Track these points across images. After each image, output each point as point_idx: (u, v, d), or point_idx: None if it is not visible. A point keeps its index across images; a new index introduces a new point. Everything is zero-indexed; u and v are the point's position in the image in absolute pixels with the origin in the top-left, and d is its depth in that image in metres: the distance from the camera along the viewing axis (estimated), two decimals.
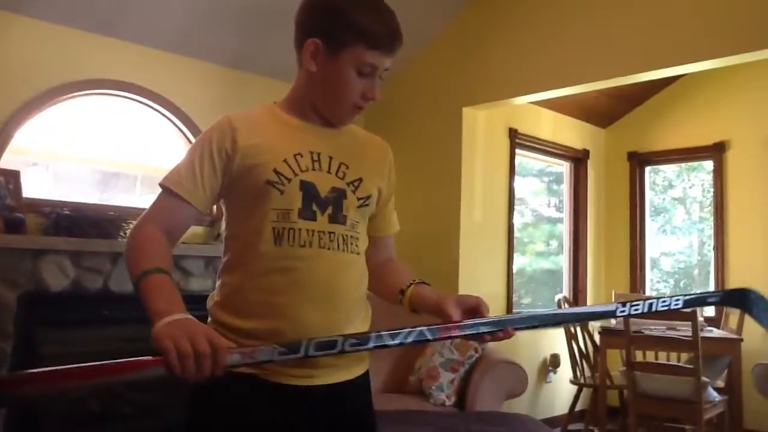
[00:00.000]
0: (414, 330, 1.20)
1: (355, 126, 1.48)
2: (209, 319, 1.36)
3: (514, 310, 4.65)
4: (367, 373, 1.42)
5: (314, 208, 1.30)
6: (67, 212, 3.16)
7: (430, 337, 1.22)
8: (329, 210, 1.31)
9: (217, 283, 1.37)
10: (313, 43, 1.31)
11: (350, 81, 1.30)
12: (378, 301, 1.45)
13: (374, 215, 1.43)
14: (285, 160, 1.30)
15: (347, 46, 1.29)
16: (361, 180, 1.36)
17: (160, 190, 1.35)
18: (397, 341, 1.20)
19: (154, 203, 1.34)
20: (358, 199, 1.34)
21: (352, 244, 1.33)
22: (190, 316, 1.11)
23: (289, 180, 1.29)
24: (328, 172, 1.33)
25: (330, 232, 1.30)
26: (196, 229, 3.73)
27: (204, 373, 1.06)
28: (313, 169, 1.32)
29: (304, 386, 1.29)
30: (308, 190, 1.30)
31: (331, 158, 1.34)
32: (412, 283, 1.39)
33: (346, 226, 1.32)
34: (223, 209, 1.39)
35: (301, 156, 1.32)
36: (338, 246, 1.31)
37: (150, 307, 1.12)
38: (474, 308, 1.29)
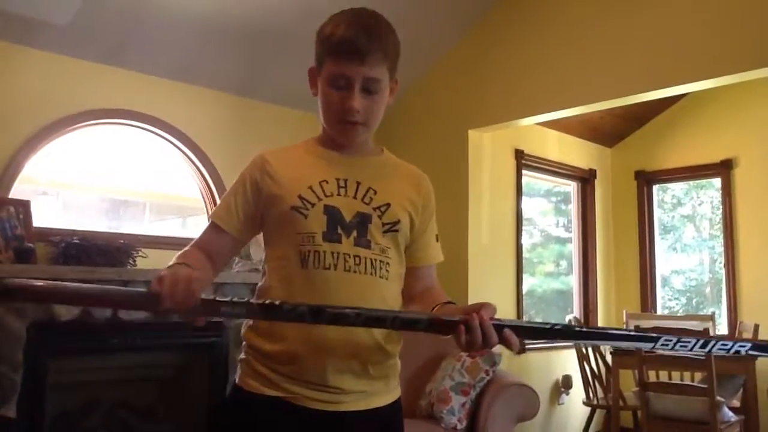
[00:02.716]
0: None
1: (391, 155, 1.50)
2: (244, 344, 1.40)
3: None
4: (398, 401, 1.41)
5: (339, 231, 1.32)
6: (76, 241, 3.17)
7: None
8: (354, 234, 1.32)
9: None
10: (310, 70, 1.39)
11: (329, 97, 1.33)
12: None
13: (411, 245, 1.43)
14: (310, 187, 1.34)
15: (323, 63, 1.34)
16: (389, 205, 1.36)
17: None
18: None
19: (201, 232, 1.45)
20: (384, 224, 1.35)
21: (381, 268, 1.34)
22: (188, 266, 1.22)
23: (313, 205, 1.32)
24: (354, 197, 1.35)
25: (355, 256, 1.31)
26: None
27: (177, 298, 1.12)
28: (338, 195, 1.35)
29: (331, 411, 1.30)
30: (332, 215, 1.32)
31: (358, 184, 1.37)
32: (437, 305, 1.35)
33: (372, 250, 1.33)
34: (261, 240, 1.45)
35: (327, 182, 1.35)
36: (365, 269, 1.31)
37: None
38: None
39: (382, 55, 1.32)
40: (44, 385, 3.00)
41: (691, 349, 1.19)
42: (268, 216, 1.38)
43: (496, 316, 1.19)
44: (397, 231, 1.37)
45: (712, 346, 1.19)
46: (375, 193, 1.37)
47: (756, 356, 1.20)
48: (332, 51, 1.31)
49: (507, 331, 1.16)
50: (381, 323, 1.19)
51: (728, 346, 1.18)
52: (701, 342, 1.19)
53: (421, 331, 1.19)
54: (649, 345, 1.22)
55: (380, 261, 1.34)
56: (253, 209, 1.39)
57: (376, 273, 1.33)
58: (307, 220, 1.31)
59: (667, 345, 1.19)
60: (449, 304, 1.35)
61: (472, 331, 1.15)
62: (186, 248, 1.38)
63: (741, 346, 1.19)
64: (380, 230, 1.35)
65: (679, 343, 1.19)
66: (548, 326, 1.21)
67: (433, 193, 1.49)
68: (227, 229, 1.39)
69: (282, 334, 1.29)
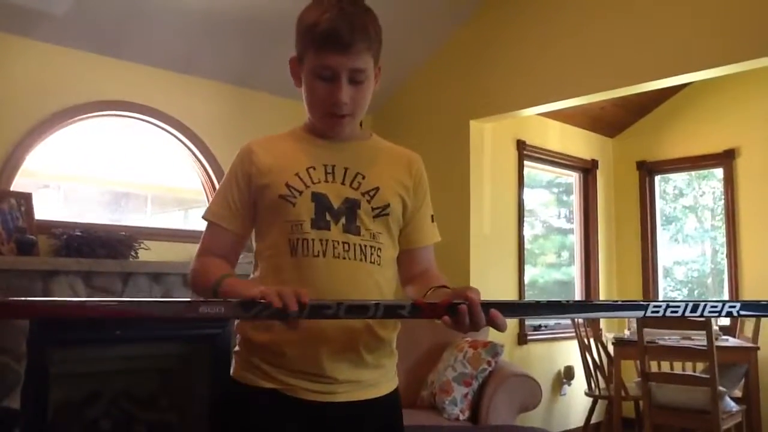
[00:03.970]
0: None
1: (381, 138, 1.48)
2: (238, 336, 1.39)
3: (526, 323, 4.64)
4: (396, 392, 1.40)
5: (327, 218, 1.31)
6: (78, 233, 3.18)
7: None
8: (343, 220, 1.31)
9: None
10: (291, 61, 1.37)
11: (314, 89, 1.32)
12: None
13: (405, 226, 1.42)
14: (297, 174, 1.33)
15: (305, 54, 1.32)
16: (377, 189, 1.35)
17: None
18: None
19: (202, 237, 1.41)
20: (373, 208, 1.34)
21: (372, 254, 1.33)
22: None
23: (301, 192, 1.31)
24: (342, 183, 1.34)
25: (344, 242, 1.30)
26: None
27: (289, 303, 1.10)
28: (326, 181, 1.34)
29: (325, 402, 1.29)
30: (320, 202, 1.31)
31: (346, 169, 1.35)
32: (431, 288, 1.33)
33: (362, 236, 1.32)
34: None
35: (314, 169, 1.34)
36: (354, 255, 1.31)
37: (242, 293, 1.18)
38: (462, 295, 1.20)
39: (367, 44, 1.30)
40: (47, 376, 3.02)
41: (682, 314, 1.18)
42: (259, 207, 1.37)
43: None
44: (387, 215, 1.36)
45: (703, 309, 1.18)
46: (363, 178, 1.35)
47: (747, 316, 1.20)
48: (315, 43, 1.28)
49: (493, 312, 1.14)
50: (364, 312, 1.16)
51: (719, 308, 1.18)
52: (691, 306, 1.18)
53: (407, 318, 1.18)
54: (639, 313, 1.22)
55: (371, 246, 1.33)
56: (248, 201, 1.38)
57: (366, 259, 1.32)
58: (295, 208, 1.30)
59: (657, 311, 1.18)
60: (443, 288, 1.32)
61: (459, 313, 1.14)
62: (205, 260, 1.36)
63: (731, 307, 1.19)
64: (370, 215, 1.34)
65: (669, 309, 1.18)
66: (534, 302, 1.22)
67: (424, 173, 1.46)
68: (229, 227, 1.38)
69: (274, 325, 1.27)
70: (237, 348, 1.39)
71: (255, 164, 1.36)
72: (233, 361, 1.39)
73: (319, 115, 1.35)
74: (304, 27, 1.31)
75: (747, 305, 1.21)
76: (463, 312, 1.13)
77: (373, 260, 1.33)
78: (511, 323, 4.49)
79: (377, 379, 1.35)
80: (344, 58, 1.28)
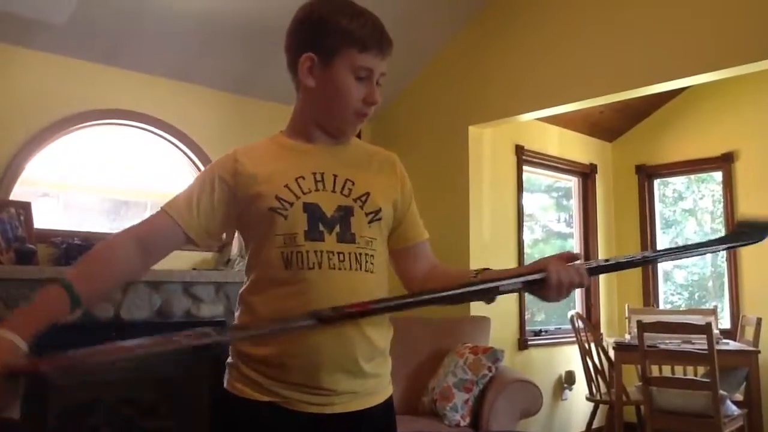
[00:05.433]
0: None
1: (361, 141, 1.48)
2: (231, 348, 1.37)
3: (527, 328, 4.63)
4: (390, 400, 1.39)
5: (321, 228, 1.28)
6: (77, 242, 3.18)
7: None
8: (337, 229, 1.29)
9: (236, 313, 1.38)
10: (307, 58, 1.32)
11: (350, 86, 1.31)
12: (400, 323, 1.42)
13: (398, 227, 1.42)
14: (287, 185, 1.30)
15: (339, 53, 1.30)
16: (368, 194, 1.34)
17: None
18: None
19: (145, 218, 1.35)
20: (367, 214, 1.33)
21: (366, 262, 1.31)
22: (6, 335, 1.12)
23: (291, 204, 1.28)
24: (333, 191, 1.32)
25: (339, 252, 1.28)
26: (205, 255, 3.74)
27: None
28: (317, 190, 1.31)
29: (323, 414, 1.28)
30: (313, 212, 1.29)
31: (335, 176, 1.34)
32: (477, 273, 1.34)
33: (357, 244, 1.30)
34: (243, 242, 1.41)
35: (304, 178, 1.31)
36: (350, 265, 1.28)
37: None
38: (568, 258, 1.30)
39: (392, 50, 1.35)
40: (47, 385, 3.01)
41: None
42: (246, 219, 1.33)
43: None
44: (380, 219, 1.34)
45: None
46: (353, 183, 1.34)
47: (657, 257, 1.34)
48: (357, 43, 1.28)
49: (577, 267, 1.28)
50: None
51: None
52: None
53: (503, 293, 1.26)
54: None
55: (365, 254, 1.31)
56: (220, 212, 1.32)
57: (361, 267, 1.30)
58: (287, 221, 1.27)
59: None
60: (487, 270, 1.36)
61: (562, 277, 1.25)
62: (113, 240, 1.31)
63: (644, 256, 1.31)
64: (365, 221, 1.32)
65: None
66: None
67: (406, 171, 1.47)
68: (183, 225, 1.30)
69: (267, 337, 1.26)
70: (231, 360, 1.35)
71: (238, 174, 1.32)
72: (226, 373, 1.36)
73: (347, 115, 1.34)
74: (337, 27, 1.29)
75: (659, 251, 1.32)
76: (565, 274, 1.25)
77: (367, 268, 1.31)
78: (512, 328, 4.48)
79: (374, 387, 1.34)
80: (382, 61, 1.32)
